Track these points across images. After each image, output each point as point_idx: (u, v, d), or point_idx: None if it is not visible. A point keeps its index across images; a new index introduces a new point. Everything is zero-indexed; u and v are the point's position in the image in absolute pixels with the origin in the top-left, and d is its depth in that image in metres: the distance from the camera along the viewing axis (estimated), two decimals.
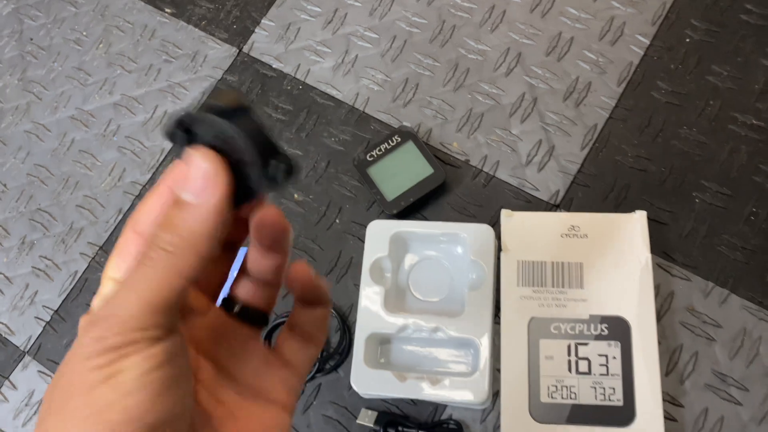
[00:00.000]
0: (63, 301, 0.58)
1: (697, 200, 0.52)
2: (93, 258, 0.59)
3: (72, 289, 0.59)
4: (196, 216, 0.21)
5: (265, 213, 0.24)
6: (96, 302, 0.22)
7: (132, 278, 0.21)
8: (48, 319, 0.58)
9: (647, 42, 0.57)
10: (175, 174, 0.22)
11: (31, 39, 0.69)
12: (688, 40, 0.57)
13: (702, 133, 0.54)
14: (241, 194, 0.22)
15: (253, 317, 0.26)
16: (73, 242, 0.60)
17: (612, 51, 0.57)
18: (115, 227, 0.60)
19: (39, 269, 0.60)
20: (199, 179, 0.21)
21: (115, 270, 0.23)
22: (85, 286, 0.58)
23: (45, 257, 0.60)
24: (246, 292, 0.26)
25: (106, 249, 0.59)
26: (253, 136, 0.21)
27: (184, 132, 0.22)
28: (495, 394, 0.48)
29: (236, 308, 0.26)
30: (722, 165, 0.53)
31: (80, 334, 0.21)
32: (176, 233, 0.21)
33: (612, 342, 0.46)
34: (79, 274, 0.59)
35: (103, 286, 0.23)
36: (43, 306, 0.58)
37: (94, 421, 0.19)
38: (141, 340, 0.20)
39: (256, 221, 0.24)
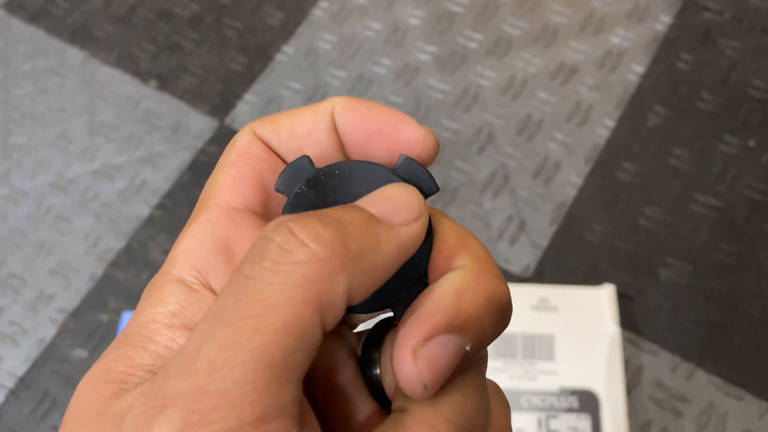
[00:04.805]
0: (29, 369, 0.57)
1: (662, 276, 0.53)
2: (62, 324, 0.58)
3: (39, 356, 0.57)
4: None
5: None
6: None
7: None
8: (12, 386, 0.57)
9: (612, 124, 0.60)
10: None
11: (16, 107, 0.70)
12: (650, 124, 0.60)
13: (665, 212, 0.56)
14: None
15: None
16: (44, 308, 0.59)
17: (579, 132, 0.60)
18: (87, 293, 0.59)
19: (6, 334, 0.59)
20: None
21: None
22: (54, 353, 0.57)
23: (14, 322, 0.59)
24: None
25: (76, 315, 0.59)
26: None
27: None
28: None
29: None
30: (685, 242, 0.55)
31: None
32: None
33: (582, 415, 0.46)
34: (47, 341, 0.58)
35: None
36: (8, 373, 0.57)
37: None
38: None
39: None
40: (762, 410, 0.48)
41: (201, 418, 0.13)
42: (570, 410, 0.46)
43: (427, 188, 0.18)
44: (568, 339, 0.49)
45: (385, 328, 0.19)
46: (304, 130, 0.19)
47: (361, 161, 0.18)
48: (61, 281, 0.60)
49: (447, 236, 0.18)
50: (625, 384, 0.48)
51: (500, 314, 0.17)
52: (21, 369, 0.57)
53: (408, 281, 0.18)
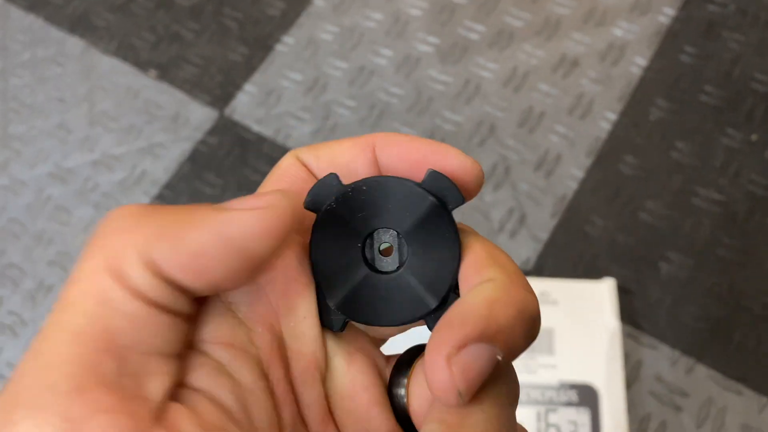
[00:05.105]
0: None
1: (662, 270, 0.53)
2: None
3: None
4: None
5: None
6: None
7: None
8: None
9: (614, 118, 0.60)
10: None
11: (15, 97, 0.70)
12: (652, 117, 0.59)
13: (667, 205, 0.56)
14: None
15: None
16: (43, 299, 0.59)
17: (581, 125, 0.60)
18: None
19: (5, 325, 0.59)
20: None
21: None
22: None
23: (13, 312, 0.59)
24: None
25: None
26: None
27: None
28: None
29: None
30: (686, 237, 0.54)
31: None
32: None
33: (581, 409, 0.46)
34: None
35: None
36: (7, 363, 0.57)
37: None
38: None
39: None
40: (761, 405, 0.48)
41: (22, 397, 0.14)
42: (569, 404, 0.46)
43: (453, 200, 0.18)
44: (567, 333, 0.48)
45: (416, 354, 0.19)
46: (343, 160, 0.19)
47: (388, 176, 0.19)
48: (60, 272, 0.60)
49: (477, 251, 0.18)
50: (624, 378, 0.48)
51: (530, 325, 0.17)
52: (19, 359, 0.57)
53: (439, 292, 0.18)
